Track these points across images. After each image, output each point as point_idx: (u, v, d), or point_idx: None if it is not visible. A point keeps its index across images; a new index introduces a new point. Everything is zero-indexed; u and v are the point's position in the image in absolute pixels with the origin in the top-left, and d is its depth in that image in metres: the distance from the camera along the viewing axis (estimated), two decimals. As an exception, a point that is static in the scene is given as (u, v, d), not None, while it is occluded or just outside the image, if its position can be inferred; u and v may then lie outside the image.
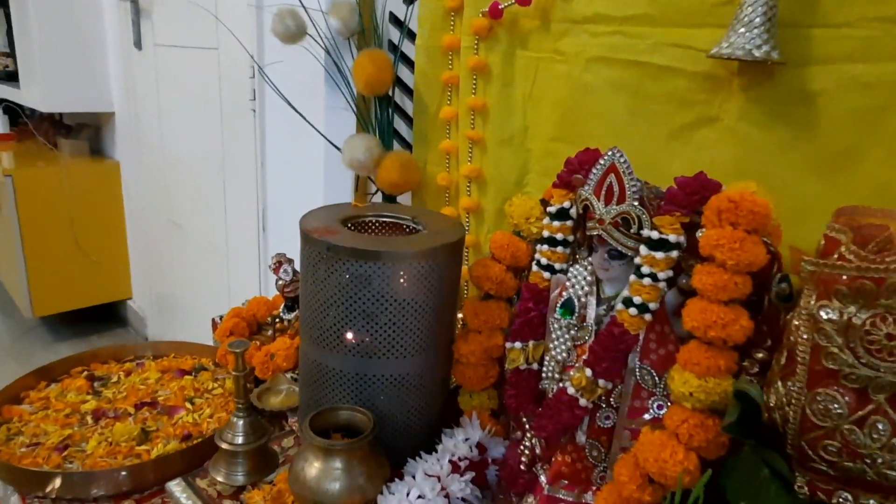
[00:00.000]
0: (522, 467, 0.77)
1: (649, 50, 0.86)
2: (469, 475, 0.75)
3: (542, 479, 0.76)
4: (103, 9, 2.58)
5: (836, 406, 0.52)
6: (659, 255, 0.67)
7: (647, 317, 0.69)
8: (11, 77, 3.12)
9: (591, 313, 0.75)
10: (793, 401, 0.55)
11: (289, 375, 1.08)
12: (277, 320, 1.22)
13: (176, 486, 0.79)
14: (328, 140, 1.29)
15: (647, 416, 0.71)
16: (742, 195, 0.62)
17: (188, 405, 1.08)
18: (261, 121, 1.79)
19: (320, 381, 0.81)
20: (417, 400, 0.82)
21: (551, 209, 0.78)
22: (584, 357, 0.73)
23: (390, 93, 1.23)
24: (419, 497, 0.69)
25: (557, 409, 0.72)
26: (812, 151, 0.75)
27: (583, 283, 0.76)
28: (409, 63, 1.25)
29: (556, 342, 0.77)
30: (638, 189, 0.69)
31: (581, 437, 0.73)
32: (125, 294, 2.95)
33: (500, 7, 1.00)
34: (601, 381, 0.70)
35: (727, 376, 0.63)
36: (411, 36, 1.21)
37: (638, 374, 0.71)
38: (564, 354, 0.76)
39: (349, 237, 0.78)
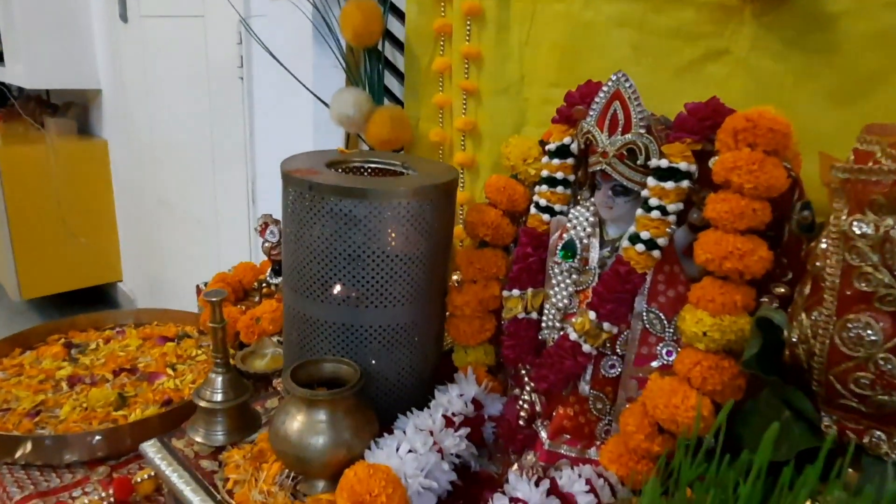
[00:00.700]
0: (521, 423, 0.72)
1: (654, -20, 0.81)
2: (464, 430, 0.69)
3: (543, 434, 0.71)
4: (87, -19, 2.51)
5: (869, 333, 0.47)
6: (669, 185, 0.61)
7: (656, 254, 0.63)
8: (-4, 56, 3.06)
9: (594, 256, 0.69)
10: (819, 332, 0.50)
11: (274, 339, 1.03)
12: (264, 285, 1.17)
13: (150, 448, 0.73)
14: (316, 96, 1.23)
15: (655, 364, 0.65)
16: (760, 113, 0.56)
17: (170, 371, 1.03)
18: (249, 89, 1.73)
19: (305, 334, 0.76)
20: (409, 354, 0.77)
21: (550, 146, 0.73)
22: (588, 301, 0.68)
23: (380, 47, 1.17)
24: (409, 451, 0.64)
25: (559, 358, 0.67)
26: (831, 79, 0.70)
27: (585, 224, 0.70)
28: (400, 15, 1.19)
29: (556, 288, 0.71)
30: (645, 117, 0.64)
31: (585, 388, 0.68)
32: (115, 276, 2.89)
33: (494, -56, 0.94)
34: (606, 325, 0.65)
35: (744, 314, 0.58)
36: (402, -14, 1.15)
37: (645, 318, 0.65)
38: (566, 301, 0.70)
39: (333, 177, 0.73)
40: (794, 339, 0.53)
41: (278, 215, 1.16)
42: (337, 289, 0.73)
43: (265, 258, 1.19)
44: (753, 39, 0.75)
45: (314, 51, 1.35)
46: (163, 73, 2.21)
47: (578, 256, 0.70)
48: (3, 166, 2.49)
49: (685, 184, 0.62)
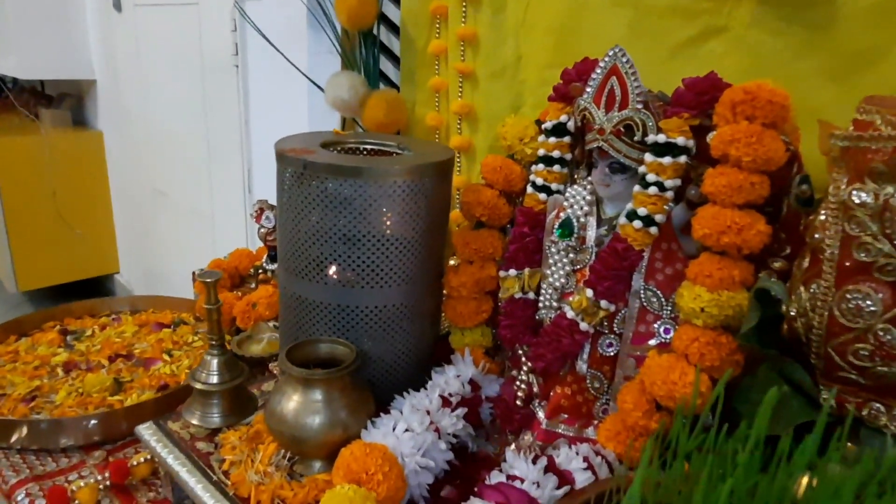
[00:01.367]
0: (519, 403, 0.72)
1: (651, -42, 0.80)
2: (461, 411, 0.69)
3: (540, 414, 0.70)
4: (80, -30, 2.49)
5: (868, 304, 0.46)
6: (666, 160, 0.61)
7: (653, 230, 0.63)
8: (-11, 48, 3.03)
9: (592, 234, 0.69)
10: (818, 304, 0.50)
11: (271, 324, 1.02)
12: (260, 271, 1.16)
13: (146, 430, 0.73)
14: (311, 80, 1.22)
15: (652, 342, 0.65)
16: (759, 85, 0.56)
17: (166, 357, 1.02)
18: (243, 77, 1.72)
19: (300, 315, 0.75)
20: (405, 336, 0.76)
21: (547, 125, 0.72)
22: (585, 279, 0.67)
23: (375, 30, 1.16)
24: (406, 430, 0.64)
25: (556, 336, 0.66)
26: (830, 54, 0.69)
27: (582, 202, 0.70)
28: (395, -2, 1.18)
29: (553, 267, 0.71)
30: (642, 92, 0.63)
31: (582, 367, 0.67)
32: (112, 268, 2.88)
33: (490, -76, 0.93)
34: (603, 303, 0.64)
35: (741, 289, 0.58)
36: (397, -32, 1.14)
37: (643, 295, 0.65)
38: (563, 280, 0.70)
39: (328, 156, 0.72)
40: (792, 313, 0.53)
41: (274, 202, 1.15)
42: (332, 270, 0.73)
43: (261, 245, 1.18)
44: (752, 16, 0.74)
45: (309, 36, 1.34)
46: (157, 63, 2.20)
47: (576, 235, 0.69)
48: (-1, 158, 2.48)
49: (683, 159, 0.61)
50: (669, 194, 0.62)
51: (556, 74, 0.93)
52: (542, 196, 0.73)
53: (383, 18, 1.18)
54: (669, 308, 0.65)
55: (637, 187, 0.63)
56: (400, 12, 1.14)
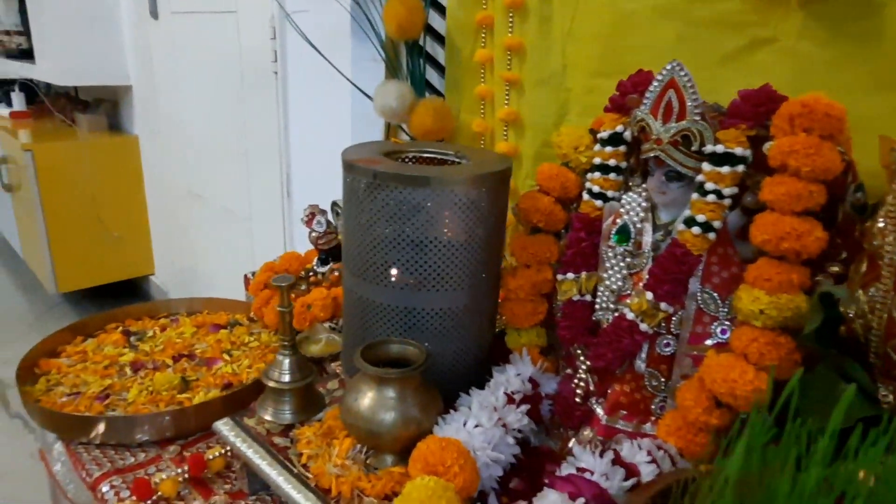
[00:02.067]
0: (577, 400, 0.75)
1: (699, -30, 0.83)
2: (525, 407, 0.73)
3: (599, 411, 0.74)
4: (118, -22, 2.56)
5: (928, 306, 0.49)
6: (724, 169, 0.64)
7: (711, 236, 0.66)
8: (25, 55, 3.12)
9: (648, 240, 0.72)
10: (877, 307, 0.53)
11: (326, 325, 1.07)
12: (311, 273, 1.20)
13: (223, 426, 0.77)
14: (358, 88, 1.26)
15: (709, 342, 0.68)
16: (816, 99, 0.59)
17: (226, 357, 1.07)
18: (283, 83, 1.77)
19: (366, 317, 0.79)
20: (465, 337, 0.80)
21: (603, 135, 0.76)
22: (642, 283, 0.71)
23: (420, 40, 1.20)
24: (476, 426, 0.68)
25: (617, 337, 0.70)
26: (878, 65, 0.72)
27: (637, 209, 0.73)
28: (440, 9, 1.21)
29: (610, 271, 0.74)
30: (699, 104, 0.66)
31: (640, 366, 0.71)
32: (147, 269, 2.96)
33: (537, -62, 0.96)
34: (663, 305, 0.67)
35: (799, 292, 0.61)
36: (441, -20, 1.18)
37: (700, 298, 0.68)
38: (620, 283, 0.73)
39: (396, 165, 0.76)
40: (850, 315, 0.56)
41: (320, 205, 1.20)
42: (394, 273, 0.77)
43: (310, 248, 1.22)
44: (801, 28, 0.77)
45: (352, 45, 1.38)
46: (194, 68, 2.25)
47: (632, 240, 0.72)
48: (38, 162, 2.55)
49: (740, 168, 0.64)
50: (727, 202, 0.65)
51: (603, 83, 0.97)
52: (599, 203, 0.76)
53: (427, 28, 1.22)
54: (725, 310, 0.68)
55: (695, 195, 0.66)
56: (446, 23, 1.18)
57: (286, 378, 0.79)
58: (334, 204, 1.37)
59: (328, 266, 1.18)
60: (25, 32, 3.27)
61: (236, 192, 2.15)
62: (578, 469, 0.62)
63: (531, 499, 0.64)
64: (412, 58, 1.20)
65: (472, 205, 0.74)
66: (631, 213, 0.73)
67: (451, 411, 0.71)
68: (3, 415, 2.15)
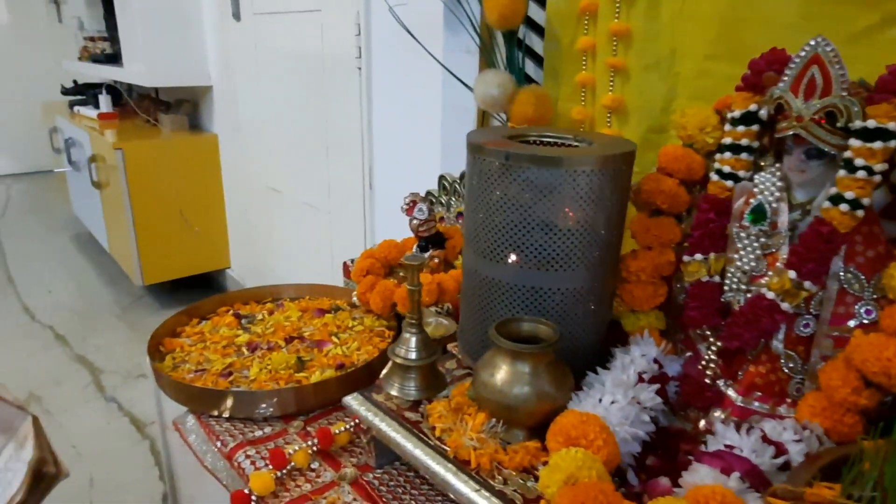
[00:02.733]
0: (707, 381, 0.75)
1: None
2: (655, 386, 0.73)
3: (731, 392, 0.73)
4: (202, -18, 2.67)
5: None
6: (876, 145, 0.63)
7: (860, 213, 0.65)
8: (110, 59, 3.28)
9: (784, 219, 0.71)
10: None
11: (432, 309, 1.09)
12: (411, 261, 1.23)
13: (353, 400, 0.80)
14: (458, 78, 1.28)
15: (852, 323, 0.67)
16: (984, 69, 0.57)
17: (334, 339, 1.10)
18: (367, 78, 1.81)
19: (488, 296, 0.81)
20: (585, 317, 0.81)
21: (735, 114, 0.75)
22: (779, 263, 0.70)
23: (517, 32, 1.21)
24: (613, 402, 0.68)
25: (755, 317, 0.69)
26: None
27: (772, 188, 0.72)
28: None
29: (742, 252, 0.73)
30: (846, 80, 0.65)
31: (778, 347, 0.70)
32: (224, 263, 3.06)
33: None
34: (807, 284, 0.67)
35: (960, 269, 0.59)
36: (540, -32, 1.19)
37: (843, 277, 0.67)
38: (753, 264, 0.73)
39: (528, 147, 0.77)
40: None
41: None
42: (513, 258, 0.78)
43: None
44: (943, 1, 0.74)
45: (445, 37, 1.40)
46: (274, 67, 2.32)
47: (768, 220, 0.72)
48: (128, 160, 2.68)
49: (893, 144, 0.63)
50: (877, 178, 0.64)
51: (715, 66, 0.96)
52: (729, 183, 0.76)
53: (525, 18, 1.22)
54: (871, 290, 0.66)
55: (842, 171, 0.65)
56: (545, 11, 1.19)
57: (413, 355, 0.81)
58: (430, 193, 1.40)
59: (428, 253, 1.20)
60: (109, 38, 3.45)
61: (316, 185, 2.21)
62: (727, 446, 0.61)
63: (670, 476, 0.65)
64: (510, 47, 1.21)
65: (600, 185, 0.75)
66: (765, 192, 0.72)
67: (585, 388, 0.72)
68: (99, 398, 2.27)
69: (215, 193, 2.95)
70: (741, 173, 0.75)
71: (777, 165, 0.73)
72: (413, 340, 0.82)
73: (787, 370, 0.71)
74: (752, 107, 0.74)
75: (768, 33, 0.89)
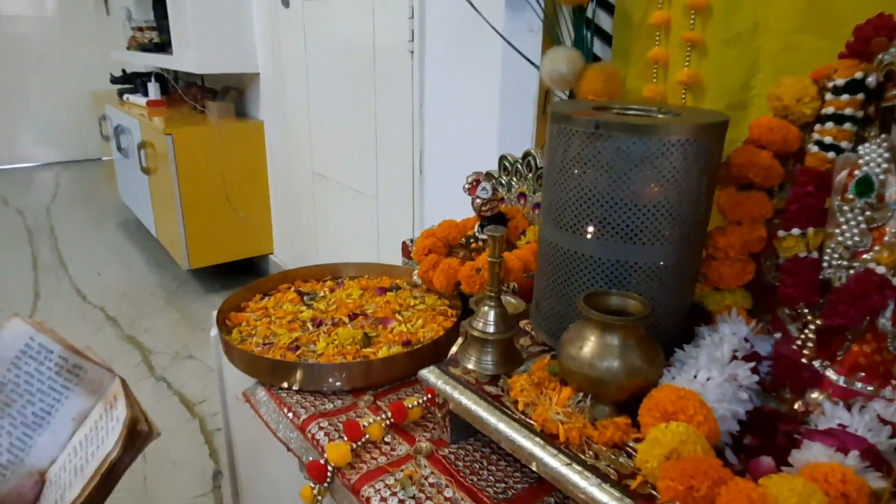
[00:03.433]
0: (804, 360, 0.72)
1: None
2: (751, 364, 0.70)
3: (830, 373, 0.70)
4: (251, -30, 2.68)
5: None
6: None
7: (984, 184, 0.61)
8: (158, 48, 3.34)
9: (893, 192, 0.68)
10: None
11: (498, 288, 1.07)
12: (472, 240, 1.21)
13: (431, 374, 0.79)
14: (524, 56, 1.26)
15: (968, 301, 0.63)
16: None
17: (398, 317, 1.10)
18: (419, 62, 1.79)
19: (567, 270, 0.79)
20: (669, 293, 0.78)
21: (839, 82, 0.72)
22: (888, 237, 0.66)
23: (587, 10, 1.18)
24: (709, 379, 0.66)
25: (862, 293, 0.66)
26: None
27: (879, 160, 0.69)
28: (605, -26, 1.19)
29: (844, 226, 0.70)
30: (970, 41, 0.61)
31: (885, 325, 0.67)
32: (267, 249, 3.09)
33: None
34: (921, 258, 0.63)
35: None
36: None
37: (960, 252, 0.63)
38: (856, 238, 0.69)
39: (619, 116, 0.75)
40: None
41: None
42: (591, 230, 0.75)
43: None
44: None
45: (507, 16, 1.38)
46: (323, 54, 2.33)
47: (875, 193, 0.68)
48: (178, 146, 2.72)
49: None
50: None
51: (802, 39, 0.92)
52: (830, 155, 0.72)
53: (593, -6, 1.20)
54: None
55: (963, 140, 0.62)
56: (615, -13, 1.16)
57: (491, 329, 0.79)
58: (489, 174, 1.38)
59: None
60: (157, 27, 3.50)
61: (363, 171, 2.21)
62: (840, 425, 0.58)
63: (771, 455, 0.62)
64: (578, 24, 1.18)
65: (693, 156, 0.72)
66: (871, 164, 0.69)
67: (679, 362, 0.69)
68: (149, 378, 2.32)
69: (260, 180, 2.98)
70: (843, 144, 0.72)
71: (884, 136, 0.69)
72: (491, 314, 0.80)
73: (893, 350, 0.67)
74: (858, 74, 0.70)
75: (863, 3, 0.85)
